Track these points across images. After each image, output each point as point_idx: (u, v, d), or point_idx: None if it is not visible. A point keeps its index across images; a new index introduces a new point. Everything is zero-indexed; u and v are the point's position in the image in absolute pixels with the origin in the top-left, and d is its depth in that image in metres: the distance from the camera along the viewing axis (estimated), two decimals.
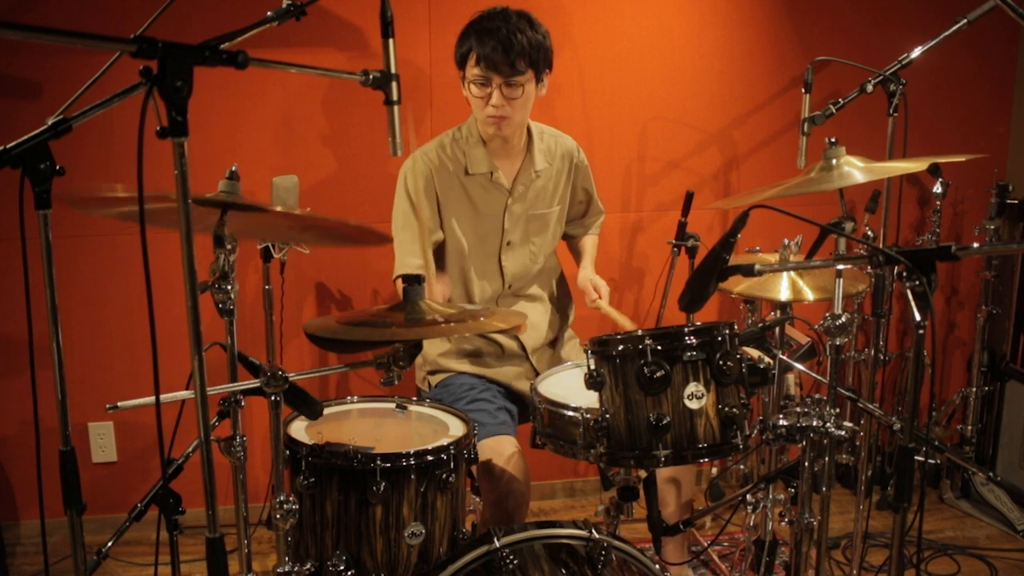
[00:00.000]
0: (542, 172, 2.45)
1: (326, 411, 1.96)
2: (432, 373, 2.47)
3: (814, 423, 1.76)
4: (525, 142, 2.43)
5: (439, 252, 2.43)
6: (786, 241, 2.33)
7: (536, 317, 2.52)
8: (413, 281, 1.79)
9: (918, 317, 1.48)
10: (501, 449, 2.17)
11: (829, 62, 2.88)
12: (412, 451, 1.78)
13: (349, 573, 1.78)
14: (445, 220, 2.39)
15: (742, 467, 3.22)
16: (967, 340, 3.49)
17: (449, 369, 2.44)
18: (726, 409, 1.76)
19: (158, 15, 1.78)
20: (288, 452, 1.82)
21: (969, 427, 3.34)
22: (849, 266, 2.16)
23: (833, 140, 2.01)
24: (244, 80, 2.70)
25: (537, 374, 2.41)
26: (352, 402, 2.10)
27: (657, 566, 1.82)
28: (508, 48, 2.19)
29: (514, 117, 2.28)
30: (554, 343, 2.58)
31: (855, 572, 2.63)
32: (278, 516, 1.63)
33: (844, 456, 3.25)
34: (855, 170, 1.94)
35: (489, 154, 2.37)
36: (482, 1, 2.35)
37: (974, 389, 3.33)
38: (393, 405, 2.09)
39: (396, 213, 2.42)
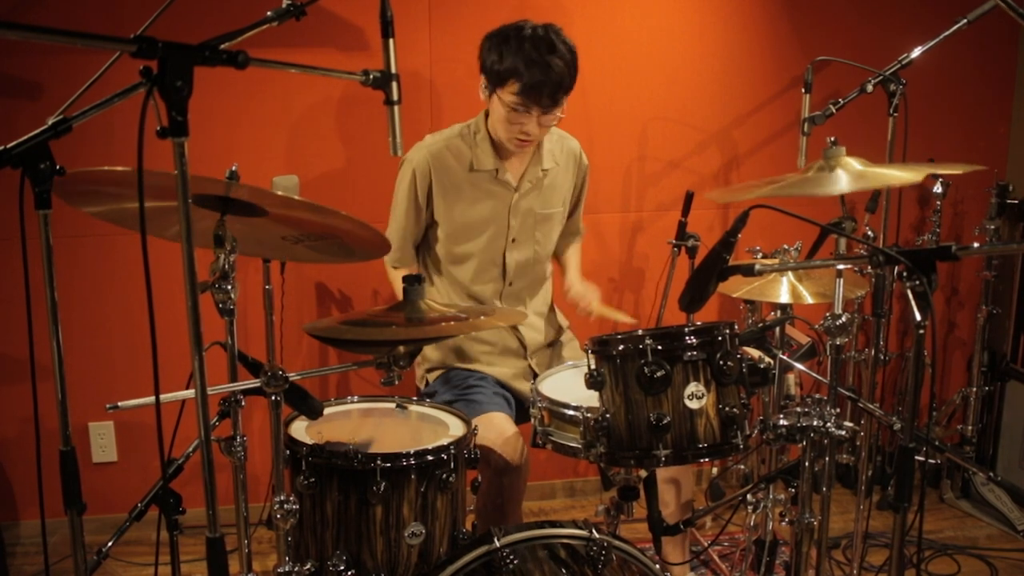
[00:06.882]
0: (549, 170, 2.45)
1: (326, 411, 1.97)
2: (430, 371, 2.47)
3: (814, 423, 1.76)
4: None
5: (442, 247, 2.44)
6: (786, 247, 2.33)
7: (533, 316, 2.53)
8: (413, 281, 1.79)
9: (918, 317, 1.48)
10: (497, 424, 2.17)
11: (829, 62, 2.88)
12: (412, 451, 1.78)
13: (349, 573, 1.78)
14: (447, 215, 2.39)
15: (742, 467, 3.22)
16: (967, 340, 3.49)
17: (447, 365, 2.44)
18: (726, 409, 1.76)
19: (158, 15, 1.78)
20: (288, 452, 1.82)
21: (969, 427, 3.34)
22: (849, 267, 2.16)
23: (833, 140, 2.01)
24: (244, 80, 2.69)
25: (535, 375, 2.41)
26: (352, 402, 2.11)
27: (657, 566, 1.82)
28: (556, 85, 2.17)
29: (540, 138, 2.31)
30: (552, 345, 2.58)
31: (855, 572, 2.63)
32: (278, 516, 1.63)
33: (844, 456, 3.26)
34: (850, 177, 1.90)
35: (497, 154, 2.38)
36: (483, 2, 2.35)
37: (974, 389, 3.33)
38: (393, 405, 2.09)
39: (393, 201, 2.44)
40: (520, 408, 2.38)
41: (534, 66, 2.15)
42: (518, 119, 2.22)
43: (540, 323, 2.54)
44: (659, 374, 1.72)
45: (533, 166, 2.42)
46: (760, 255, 2.64)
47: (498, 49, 2.21)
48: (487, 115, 2.38)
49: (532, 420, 1.99)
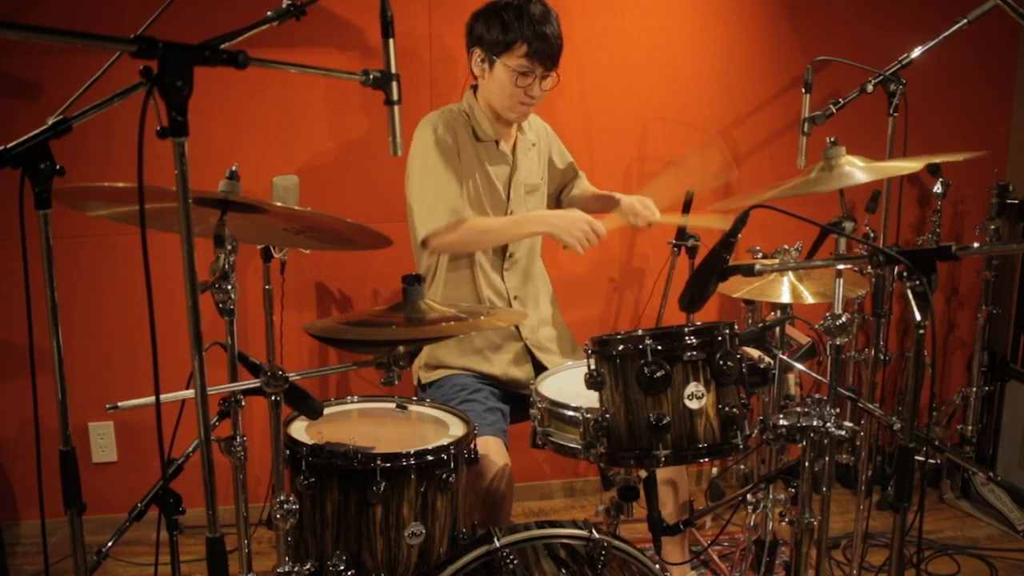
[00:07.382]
0: (535, 142, 2.54)
1: (326, 411, 1.97)
2: (427, 368, 2.47)
3: (814, 423, 1.76)
4: None
5: None
6: (786, 247, 2.34)
7: (534, 294, 2.55)
8: (413, 281, 1.79)
9: (918, 317, 1.48)
10: (488, 451, 2.17)
11: (829, 62, 2.88)
12: (412, 451, 1.78)
13: (349, 573, 1.78)
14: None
15: (742, 467, 3.22)
16: (967, 340, 3.49)
17: (444, 364, 2.44)
18: (726, 409, 1.76)
19: (158, 15, 1.78)
20: (288, 452, 1.82)
21: (969, 427, 3.34)
22: (849, 266, 2.16)
23: (833, 140, 2.01)
24: (244, 80, 2.70)
25: (531, 356, 2.44)
26: (352, 402, 2.11)
27: (657, 566, 1.82)
28: (557, 44, 2.31)
29: (538, 103, 2.39)
30: (550, 328, 2.58)
31: (855, 572, 2.63)
32: (278, 516, 1.63)
33: (844, 456, 3.26)
34: (855, 170, 1.94)
35: (493, 126, 2.43)
36: (482, 2, 2.35)
37: (974, 389, 3.33)
38: (393, 405, 2.09)
39: (418, 167, 2.35)
40: (516, 407, 2.38)
41: (537, 26, 2.28)
42: (524, 82, 2.31)
43: (544, 301, 2.56)
44: (659, 374, 1.72)
45: (520, 140, 2.49)
46: (760, 255, 2.64)
47: (499, 20, 2.31)
48: (474, 91, 2.43)
49: (532, 420, 2.00)
